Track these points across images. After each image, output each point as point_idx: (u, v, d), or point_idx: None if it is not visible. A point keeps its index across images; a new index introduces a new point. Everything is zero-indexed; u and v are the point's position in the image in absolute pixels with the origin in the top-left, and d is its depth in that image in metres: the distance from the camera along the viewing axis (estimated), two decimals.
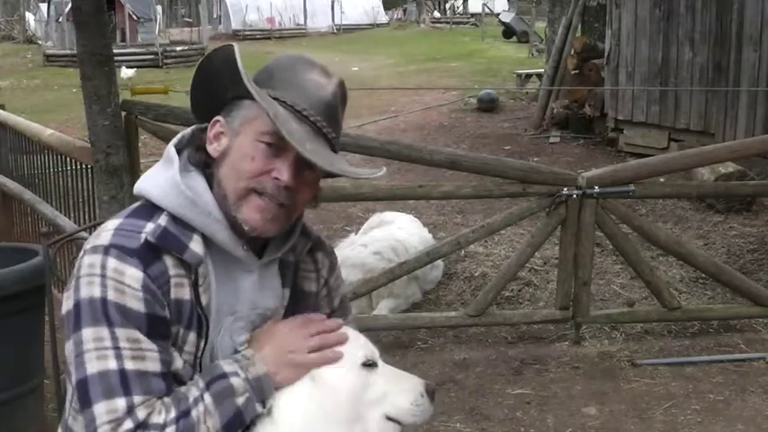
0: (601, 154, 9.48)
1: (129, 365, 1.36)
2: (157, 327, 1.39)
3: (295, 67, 1.51)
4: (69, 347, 1.40)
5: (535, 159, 8.79)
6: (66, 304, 1.42)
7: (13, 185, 5.40)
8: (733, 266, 5.12)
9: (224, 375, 1.40)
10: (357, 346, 1.52)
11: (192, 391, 1.39)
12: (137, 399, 1.35)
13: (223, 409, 1.38)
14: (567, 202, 4.25)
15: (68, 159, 4.63)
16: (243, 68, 1.43)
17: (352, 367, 1.48)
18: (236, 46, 1.46)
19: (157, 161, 1.55)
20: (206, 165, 1.52)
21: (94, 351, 1.36)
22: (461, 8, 45.59)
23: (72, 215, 4.66)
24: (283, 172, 1.45)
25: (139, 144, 4.53)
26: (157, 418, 1.35)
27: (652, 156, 6.41)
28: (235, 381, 1.40)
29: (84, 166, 4.44)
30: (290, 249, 1.59)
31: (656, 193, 5.00)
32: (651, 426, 3.67)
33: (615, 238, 4.46)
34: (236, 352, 1.46)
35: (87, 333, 1.37)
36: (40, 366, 3.39)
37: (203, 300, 1.45)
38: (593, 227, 4.30)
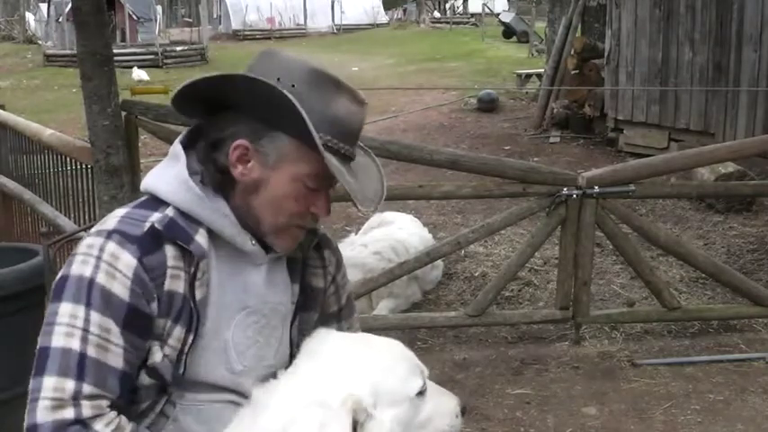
0: (601, 154, 9.48)
1: (92, 352, 1.35)
2: (135, 321, 1.39)
3: (324, 90, 1.45)
4: (46, 312, 1.41)
5: (535, 159, 8.79)
6: (59, 274, 1.44)
7: (13, 185, 5.40)
8: (733, 266, 5.12)
9: None
10: (412, 373, 1.49)
11: None
12: (86, 388, 1.34)
13: None
14: (567, 202, 4.25)
15: (68, 159, 4.63)
16: (312, 128, 1.39)
17: (406, 401, 1.46)
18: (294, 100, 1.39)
19: (158, 161, 1.55)
20: (221, 183, 1.48)
21: (65, 326, 1.36)
22: (461, 8, 45.57)
23: (72, 215, 4.66)
24: (322, 207, 1.51)
25: (139, 144, 4.54)
26: (101, 428, 1.34)
27: (652, 156, 6.41)
28: None
29: (84, 166, 4.44)
30: (297, 245, 1.59)
31: (656, 193, 5.00)
32: (651, 426, 3.67)
33: (615, 238, 4.46)
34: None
35: (65, 307, 1.38)
36: None
37: (198, 294, 1.44)
38: (593, 227, 4.30)
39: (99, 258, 1.39)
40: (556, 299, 4.53)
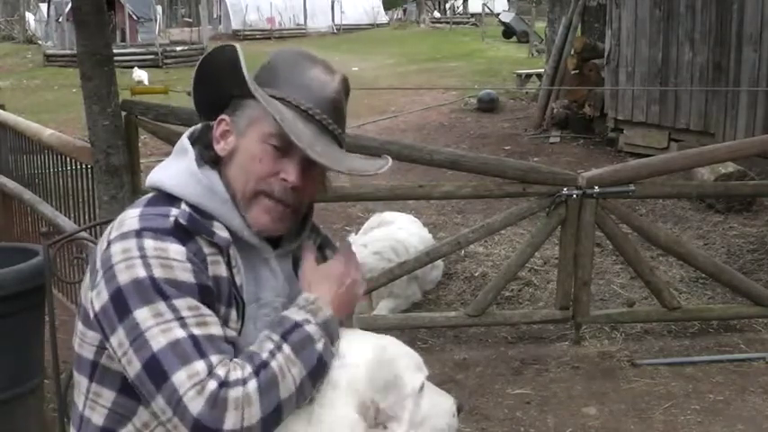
0: (601, 154, 9.48)
1: (197, 331, 1.34)
2: (208, 296, 1.40)
3: (298, 64, 1.51)
4: (121, 336, 1.35)
5: (535, 159, 8.79)
6: (100, 299, 1.39)
7: (13, 185, 5.39)
8: (733, 266, 5.12)
9: (298, 324, 1.40)
10: (415, 368, 1.51)
11: (266, 345, 1.38)
12: (214, 358, 1.33)
13: (305, 356, 1.37)
14: (567, 202, 4.25)
15: (68, 159, 4.63)
16: (246, 71, 1.44)
17: (412, 396, 1.47)
18: (239, 47, 1.47)
19: (158, 161, 1.56)
20: (215, 162, 1.53)
21: (156, 327, 1.33)
22: (461, 8, 45.57)
23: (72, 215, 4.66)
24: (291, 173, 1.47)
25: (139, 144, 4.54)
26: (237, 374, 1.33)
27: (652, 156, 6.41)
28: (310, 328, 1.40)
29: (84, 166, 4.44)
30: (302, 244, 1.61)
31: (656, 193, 5.00)
32: (651, 426, 3.67)
33: (615, 238, 4.46)
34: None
35: (142, 313, 1.34)
36: (40, 366, 3.39)
37: (237, 281, 1.46)
38: (592, 227, 4.30)
39: (144, 257, 1.37)
40: (556, 299, 4.53)
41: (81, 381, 1.53)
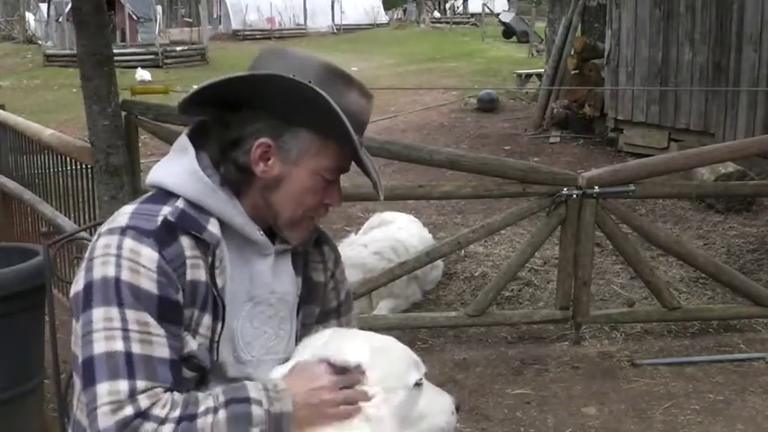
0: (601, 154, 9.48)
1: (136, 349, 1.36)
2: (169, 310, 1.40)
3: (336, 85, 1.47)
4: (78, 327, 1.40)
5: (535, 159, 8.78)
6: (77, 286, 1.42)
7: (13, 185, 5.40)
8: (733, 266, 5.12)
9: (247, 400, 1.38)
10: (410, 364, 1.53)
11: (207, 401, 1.37)
12: (140, 384, 1.34)
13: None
14: (567, 202, 4.25)
15: (68, 159, 4.63)
16: (355, 136, 1.47)
17: (404, 389, 1.49)
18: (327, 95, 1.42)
19: (158, 161, 1.55)
20: (240, 181, 1.51)
21: (103, 331, 1.36)
22: (461, 8, 45.56)
23: (72, 215, 4.66)
24: (335, 198, 1.56)
25: (139, 144, 4.54)
26: (159, 411, 1.34)
27: (652, 156, 6.41)
28: (256, 410, 1.37)
29: (84, 166, 4.44)
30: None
31: (656, 193, 5.00)
32: (651, 426, 3.67)
33: (615, 238, 4.46)
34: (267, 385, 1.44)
35: (98, 312, 1.37)
36: (41, 366, 3.39)
37: (219, 282, 1.46)
38: (593, 227, 4.30)
39: (119, 256, 1.39)
40: (556, 299, 4.53)
41: (76, 381, 1.53)
